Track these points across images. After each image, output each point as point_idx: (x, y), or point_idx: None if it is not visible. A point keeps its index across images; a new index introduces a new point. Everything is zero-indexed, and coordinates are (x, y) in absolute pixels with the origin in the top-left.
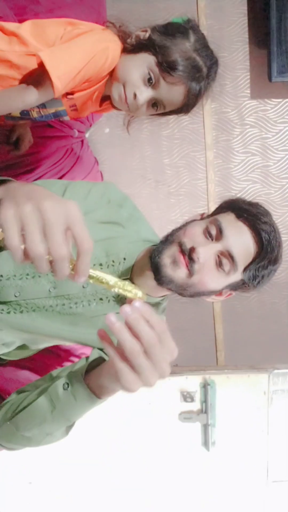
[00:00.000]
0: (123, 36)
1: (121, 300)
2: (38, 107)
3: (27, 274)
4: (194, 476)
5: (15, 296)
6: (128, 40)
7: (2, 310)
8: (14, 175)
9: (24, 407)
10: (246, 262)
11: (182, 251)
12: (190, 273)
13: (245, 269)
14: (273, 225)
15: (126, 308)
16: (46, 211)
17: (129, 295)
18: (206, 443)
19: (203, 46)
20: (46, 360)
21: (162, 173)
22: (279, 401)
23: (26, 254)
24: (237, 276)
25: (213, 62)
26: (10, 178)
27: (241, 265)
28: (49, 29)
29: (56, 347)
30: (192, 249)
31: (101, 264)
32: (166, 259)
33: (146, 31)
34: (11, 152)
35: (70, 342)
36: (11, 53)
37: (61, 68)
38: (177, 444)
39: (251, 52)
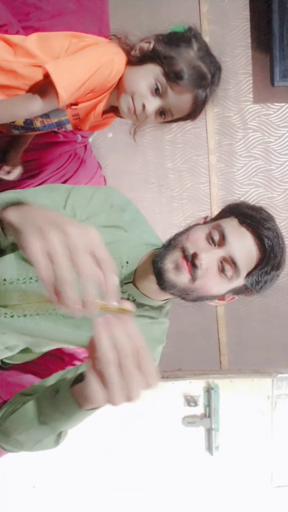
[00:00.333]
0: (127, 48)
1: None
2: (41, 117)
3: (31, 278)
4: (198, 481)
5: (19, 300)
6: (132, 52)
7: (6, 314)
8: (18, 180)
9: (14, 410)
10: (249, 268)
11: (185, 257)
12: (193, 279)
13: (247, 275)
14: (276, 230)
15: (108, 315)
16: (72, 238)
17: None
18: (209, 447)
19: (207, 53)
20: (49, 364)
21: (165, 177)
22: (283, 405)
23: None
24: (239, 282)
25: (216, 68)
26: (19, 199)
27: (244, 271)
28: (54, 41)
29: (60, 351)
30: (195, 255)
31: None
32: (168, 264)
33: (149, 42)
34: None
35: (73, 345)
36: (16, 63)
37: (66, 79)
38: (181, 449)
39: (253, 56)
